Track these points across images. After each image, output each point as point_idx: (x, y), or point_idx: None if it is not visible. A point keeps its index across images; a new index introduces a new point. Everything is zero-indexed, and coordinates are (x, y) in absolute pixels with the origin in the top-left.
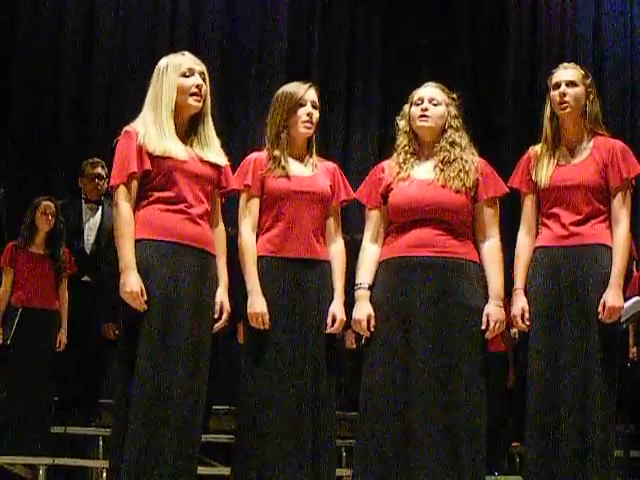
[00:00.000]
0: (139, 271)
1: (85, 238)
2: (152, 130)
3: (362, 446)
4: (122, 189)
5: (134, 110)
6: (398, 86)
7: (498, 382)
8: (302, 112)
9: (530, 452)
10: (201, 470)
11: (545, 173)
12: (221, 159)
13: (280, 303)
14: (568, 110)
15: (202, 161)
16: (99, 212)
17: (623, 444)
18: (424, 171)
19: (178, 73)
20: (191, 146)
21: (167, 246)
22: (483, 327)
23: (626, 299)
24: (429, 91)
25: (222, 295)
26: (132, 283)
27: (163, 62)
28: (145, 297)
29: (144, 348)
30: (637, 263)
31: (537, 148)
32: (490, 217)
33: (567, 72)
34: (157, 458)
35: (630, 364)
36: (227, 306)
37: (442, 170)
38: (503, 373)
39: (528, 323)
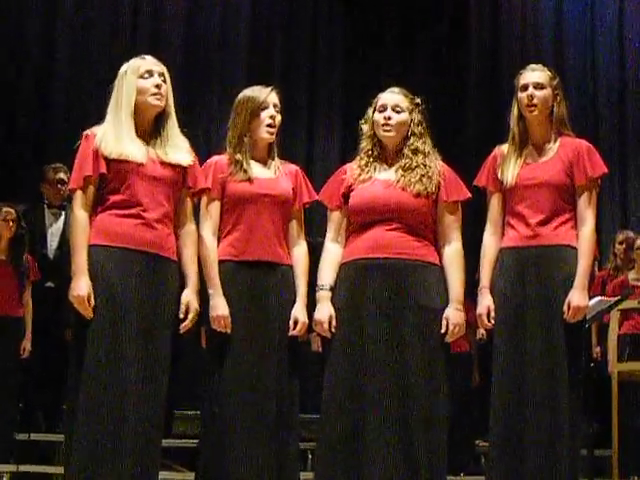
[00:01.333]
0: (90, 277)
1: (48, 244)
2: (110, 133)
3: (322, 449)
4: (78, 194)
5: (96, 113)
6: (361, 88)
7: (462, 382)
8: (265, 115)
9: (495, 452)
10: (166, 475)
11: (511, 172)
12: (184, 158)
13: (242, 307)
14: (536, 113)
15: (162, 163)
16: (62, 217)
17: (587, 443)
18: (386, 174)
19: (137, 75)
20: (154, 148)
21: (118, 252)
22: (442, 330)
23: (589, 299)
24: (393, 98)
25: (189, 295)
26: (80, 287)
27: (123, 68)
28: (93, 303)
29: (91, 355)
30: (599, 263)
31: (503, 147)
32: (452, 221)
33: (535, 74)
34: (113, 464)
35: (593, 363)
36: (195, 305)
37: (403, 175)
38: (467, 373)
39: (493, 322)
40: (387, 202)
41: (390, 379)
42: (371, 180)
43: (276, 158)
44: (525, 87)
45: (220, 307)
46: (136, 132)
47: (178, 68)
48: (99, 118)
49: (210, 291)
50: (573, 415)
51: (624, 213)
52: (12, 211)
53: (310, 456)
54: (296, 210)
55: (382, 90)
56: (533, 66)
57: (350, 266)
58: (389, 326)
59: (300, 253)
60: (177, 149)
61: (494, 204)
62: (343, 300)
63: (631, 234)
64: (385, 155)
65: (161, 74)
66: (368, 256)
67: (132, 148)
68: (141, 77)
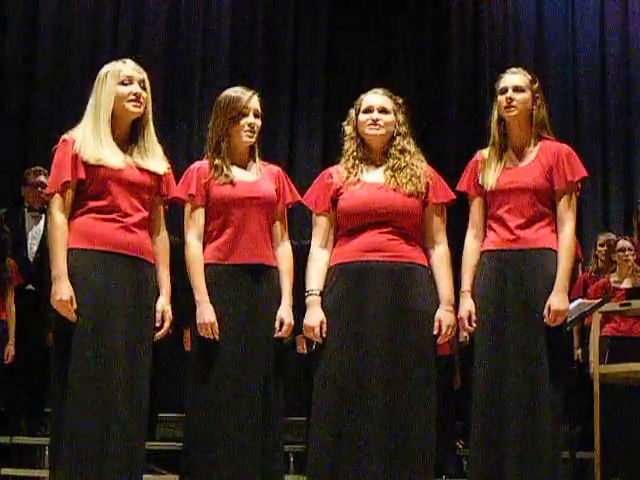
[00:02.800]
0: (71, 280)
1: (28, 247)
2: (89, 138)
3: (314, 452)
4: (57, 198)
5: (75, 117)
6: (342, 90)
7: (444, 385)
8: (244, 122)
9: (475, 455)
10: (149, 479)
11: (492, 176)
12: (161, 167)
13: (229, 310)
14: (514, 114)
15: (140, 169)
16: (42, 220)
17: (569, 445)
18: (374, 175)
19: (117, 80)
20: (131, 154)
21: (99, 255)
22: (435, 332)
23: (570, 301)
24: (379, 99)
25: (163, 304)
26: (62, 292)
27: (104, 70)
28: (75, 306)
29: (76, 358)
30: (582, 265)
31: (485, 152)
32: (439, 223)
33: (514, 77)
34: (100, 468)
35: (575, 366)
36: (169, 315)
37: (393, 176)
38: (449, 376)
39: (475, 325)
40: (379, 206)
41: (386, 382)
42: (360, 183)
43: (258, 160)
44: (504, 90)
45: (207, 314)
46: (113, 137)
47: (159, 69)
48: (80, 120)
49: (197, 298)
50: (554, 417)
51: (606, 215)
52: None
53: (292, 459)
54: (279, 211)
55: (363, 91)
56: (513, 69)
57: (342, 269)
58: (388, 329)
59: (284, 253)
60: (154, 157)
61: (475, 208)
62: (336, 303)
63: (612, 236)
64: (370, 156)
65: (141, 81)
66: (362, 259)
67: (110, 154)
68: (121, 83)
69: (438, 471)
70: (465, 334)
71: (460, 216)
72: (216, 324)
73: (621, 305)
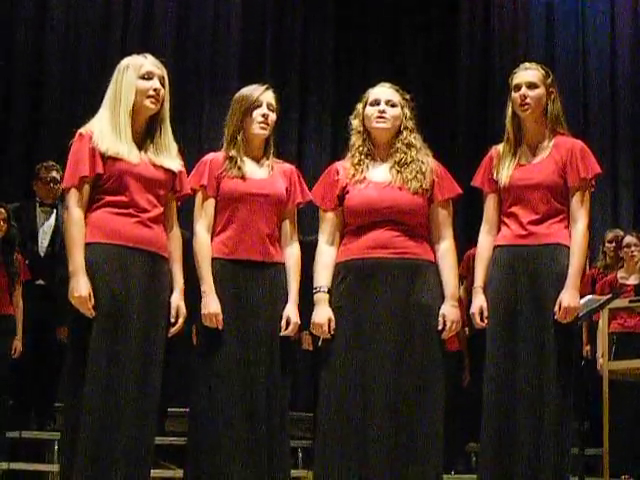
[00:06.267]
0: (88, 274)
1: (39, 241)
2: (107, 130)
3: (322, 448)
4: (73, 192)
5: (85, 117)
6: (350, 87)
7: (453, 381)
8: (257, 113)
9: (485, 451)
10: (158, 473)
11: (506, 172)
12: (175, 164)
13: (233, 305)
14: (529, 112)
15: (155, 165)
16: (53, 215)
17: (578, 442)
18: (380, 173)
19: (137, 74)
20: (146, 150)
21: (116, 249)
22: (439, 327)
23: (579, 297)
24: (385, 92)
25: (178, 299)
26: (81, 287)
27: (124, 62)
28: (93, 302)
29: (93, 353)
30: (590, 261)
31: (500, 147)
32: (444, 218)
33: (528, 73)
34: (109, 463)
35: (584, 362)
36: (183, 310)
37: (399, 172)
38: (458, 372)
39: (486, 321)
40: (385, 205)
41: (393, 377)
42: (366, 181)
43: (271, 157)
44: (518, 87)
45: (212, 305)
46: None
47: (169, 66)
48: (90, 115)
49: (203, 288)
50: (563, 413)
51: (615, 211)
52: (3, 211)
53: (300, 454)
54: (289, 210)
55: (371, 86)
56: (526, 65)
57: (348, 265)
58: (393, 325)
59: (293, 253)
60: (169, 154)
61: (489, 204)
62: (343, 299)
63: (621, 232)
64: (376, 151)
65: (161, 78)
66: (369, 256)
67: (128, 147)
68: (141, 78)
69: (447, 467)
70: (466, 328)
71: (470, 212)
72: (220, 315)
73: (630, 301)
